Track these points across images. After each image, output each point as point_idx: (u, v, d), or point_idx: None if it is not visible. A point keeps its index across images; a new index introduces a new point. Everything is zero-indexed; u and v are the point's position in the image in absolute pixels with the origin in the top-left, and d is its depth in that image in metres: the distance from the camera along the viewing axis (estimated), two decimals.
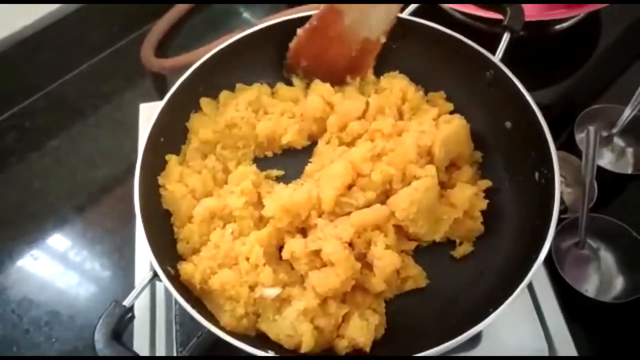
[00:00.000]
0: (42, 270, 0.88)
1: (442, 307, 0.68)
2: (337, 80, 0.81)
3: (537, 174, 0.68)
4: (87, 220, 0.93)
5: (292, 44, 0.81)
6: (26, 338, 0.82)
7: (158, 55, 1.08)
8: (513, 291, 0.57)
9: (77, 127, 1.04)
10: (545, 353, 0.71)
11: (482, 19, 0.90)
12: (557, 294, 0.77)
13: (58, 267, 0.89)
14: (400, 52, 0.82)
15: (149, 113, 0.93)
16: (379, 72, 0.84)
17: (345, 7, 0.77)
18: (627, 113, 0.90)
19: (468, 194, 0.71)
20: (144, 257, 0.81)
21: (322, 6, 0.78)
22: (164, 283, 0.59)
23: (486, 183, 0.75)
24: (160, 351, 0.72)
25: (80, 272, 0.88)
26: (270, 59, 0.83)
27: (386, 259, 0.65)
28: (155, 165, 0.72)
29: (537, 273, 0.75)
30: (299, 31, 0.79)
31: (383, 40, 0.78)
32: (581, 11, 0.97)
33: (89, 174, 0.98)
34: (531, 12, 0.76)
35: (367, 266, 0.68)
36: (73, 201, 0.95)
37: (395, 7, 0.77)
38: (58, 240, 0.91)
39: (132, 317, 0.58)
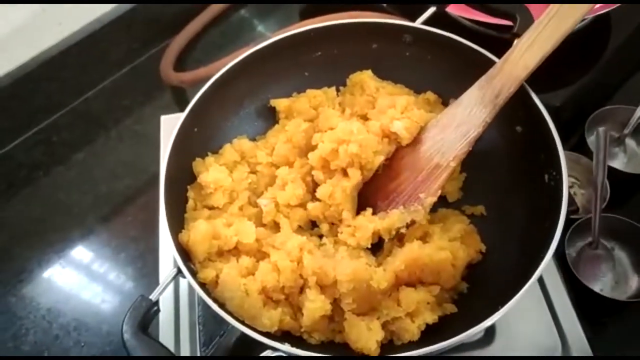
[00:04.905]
0: (70, 278, 0.92)
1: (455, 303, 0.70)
2: (395, 205, 0.75)
3: (546, 176, 0.69)
4: (111, 229, 0.97)
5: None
6: (56, 343, 0.85)
7: (177, 69, 1.12)
8: (521, 288, 0.59)
9: (101, 141, 1.08)
10: (559, 352, 0.73)
11: (491, 26, 0.92)
12: (571, 293, 0.78)
13: (85, 275, 0.92)
14: (413, 59, 0.84)
15: (169, 124, 0.97)
16: (395, 79, 0.86)
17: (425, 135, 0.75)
18: (638, 114, 0.90)
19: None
20: (168, 258, 0.84)
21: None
22: (187, 278, 0.62)
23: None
24: (185, 350, 0.75)
25: (105, 279, 0.91)
26: (286, 70, 0.85)
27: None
28: (179, 166, 0.75)
29: (550, 273, 0.78)
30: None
31: (452, 165, 0.71)
32: (590, 14, 0.99)
33: (112, 185, 1.02)
34: (537, 17, 0.77)
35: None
36: (98, 212, 0.99)
37: (473, 135, 0.71)
38: (84, 250, 0.95)
39: (158, 310, 0.61)
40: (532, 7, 0.78)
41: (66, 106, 1.12)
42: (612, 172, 0.85)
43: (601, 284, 0.82)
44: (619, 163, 0.92)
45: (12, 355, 0.84)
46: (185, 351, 0.75)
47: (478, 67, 0.74)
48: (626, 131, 0.92)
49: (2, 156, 1.06)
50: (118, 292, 0.90)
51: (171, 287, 0.79)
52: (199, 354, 0.75)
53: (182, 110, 0.76)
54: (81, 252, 0.95)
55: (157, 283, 0.82)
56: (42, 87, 1.10)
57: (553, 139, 0.68)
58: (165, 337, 0.76)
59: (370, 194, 0.77)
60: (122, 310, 0.86)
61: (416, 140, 0.76)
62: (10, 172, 1.04)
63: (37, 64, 1.08)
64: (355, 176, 0.73)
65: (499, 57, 0.73)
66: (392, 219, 0.72)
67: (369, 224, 0.71)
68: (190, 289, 0.81)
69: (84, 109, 1.12)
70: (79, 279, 0.92)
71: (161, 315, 0.71)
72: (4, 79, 1.06)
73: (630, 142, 0.94)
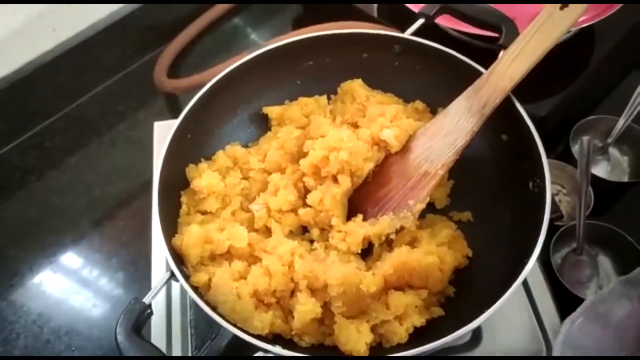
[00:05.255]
0: (62, 282, 0.92)
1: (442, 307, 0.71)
2: (384, 212, 0.75)
3: (530, 184, 0.71)
4: (103, 234, 0.98)
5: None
6: (47, 348, 0.85)
7: (170, 76, 1.13)
8: (506, 292, 0.60)
9: (94, 146, 1.09)
10: (543, 355, 0.75)
11: (478, 37, 0.94)
12: (556, 298, 0.80)
13: (76, 280, 0.93)
14: (402, 69, 0.85)
15: (163, 130, 0.98)
16: (385, 88, 0.87)
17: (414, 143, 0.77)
18: (621, 123, 0.93)
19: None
20: (160, 262, 0.85)
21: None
22: (180, 282, 0.63)
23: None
24: (177, 354, 0.76)
25: (97, 284, 0.92)
26: (279, 78, 0.86)
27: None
28: (173, 172, 0.76)
29: (535, 278, 0.80)
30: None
31: (440, 173, 0.73)
32: (574, 26, 1.01)
33: (105, 189, 1.03)
34: (525, 28, 0.79)
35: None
36: (90, 216, 1.00)
37: (461, 143, 0.72)
38: (76, 254, 0.96)
39: (151, 313, 0.62)
40: (518, 19, 0.80)
41: (60, 111, 1.13)
42: (596, 180, 0.88)
43: (585, 289, 0.84)
44: (602, 171, 0.95)
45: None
46: (177, 354, 0.76)
47: (465, 78, 0.76)
48: (609, 140, 0.95)
49: None
50: (109, 296, 0.91)
51: (163, 291, 0.80)
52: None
53: (175, 116, 0.77)
54: (73, 257, 0.95)
55: (148, 288, 0.83)
56: (37, 92, 1.11)
57: (537, 148, 0.69)
58: (158, 340, 0.77)
59: (361, 201, 0.78)
60: (113, 314, 0.88)
61: (405, 149, 0.77)
62: (3, 175, 1.05)
63: (32, 68, 1.09)
64: (345, 183, 0.74)
65: (486, 67, 0.75)
66: (382, 225, 0.73)
67: (360, 229, 0.72)
68: (183, 293, 0.82)
69: (77, 114, 1.13)
70: (70, 284, 0.92)
71: (153, 319, 0.72)
72: None
73: (613, 151, 0.97)
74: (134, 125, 1.12)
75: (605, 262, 0.87)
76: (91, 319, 0.88)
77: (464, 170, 0.78)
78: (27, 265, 0.94)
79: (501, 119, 0.74)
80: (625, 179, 0.94)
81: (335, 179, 0.75)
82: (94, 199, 1.02)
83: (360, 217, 0.75)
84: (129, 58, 1.21)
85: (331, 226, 0.75)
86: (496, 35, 0.80)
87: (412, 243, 0.73)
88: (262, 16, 1.30)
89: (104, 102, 1.15)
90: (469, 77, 0.75)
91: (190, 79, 1.09)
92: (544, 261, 0.83)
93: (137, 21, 1.22)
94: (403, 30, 0.84)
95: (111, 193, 1.02)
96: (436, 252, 0.69)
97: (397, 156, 0.78)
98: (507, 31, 0.77)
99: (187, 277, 0.65)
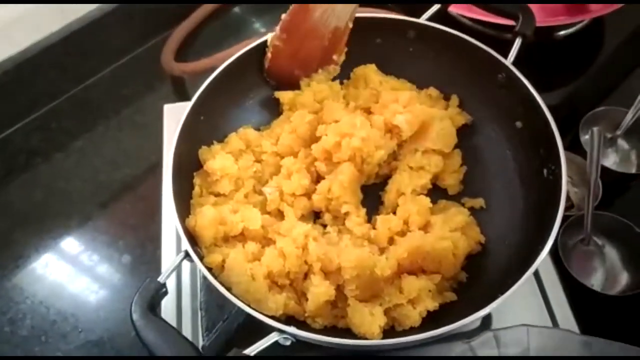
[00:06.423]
0: (68, 264, 0.92)
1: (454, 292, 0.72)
2: (312, 70, 0.86)
3: (545, 171, 0.71)
4: (110, 217, 0.97)
5: (268, 54, 0.83)
6: (54, 328, 0.85)
7: (176, 61, 1.13)
8: (519, 279, 0.60)
9: (100, 129, 1.08)
10: None
11: (490, 25, 0.94)
12: (565, 287, 0.80)
13: (82, 262, 0.92)
14: (416, 55, 0.86)
15: (172, 113, 0.98)
16: (398, 74, 0.88)
17: (312, 4, 0.80)
18: (631, 115, 0.93)
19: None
20: (170, 244, 0.85)
21: (290, 8, 0.82)
22: (195, 262, 0.63)
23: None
24: (187, 336, 0.75)
25: (103, 266, 0.91)
26: None
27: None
28: (185, 153, 0.76)
29: (545, 267, 0.80)
30: (272, 38, 0.82)
31: (350, 25, 0.81)
32: (585, 17, 1.02)
33: (111, 173, 1.02)
34: (537, 18, 0.79)
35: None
36: (96, 199, 0.99)
37: None
38: (82, 236, 0.95)
39: (166, 292, 0.62)
40: (533, 6, 0.80)
41: (66, 93, 1.12)
42: (605, 171, 0.88)
43: (592, 279, 0.84)
44: (611, 163, 0.95)
45: (8, 339, 0.84)
46: (187, 335, 0.75)
47: (480, 64, 0.76)
48: (619, 132, 0.95)
49: (1, 141, 1.06)
50: (116, 278, 0.90)
51: (174, 274, 0.80)
52: (201, 339, 0.76)
53: (182, 100, 0.77)
54: (79, 239, 0.95)
55: (156, 270, 0.84)
56: (43, 73, 1.10)
57: (552, 134, 0.70)
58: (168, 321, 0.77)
59: (286, 68, 0.83)
60: (120, 296, 0.88)
61: (306, 9, 0.80)
62: (9, 157, 1.04)
63: (38, 49, 1.07)
64: (350, 170, 0.74)
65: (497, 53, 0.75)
66: (322, 77, 0.83)
67: (385, 227, 0.73)
68: (193, 275, 0.82)
69: (83, 97, 1.12)
70: (77, 266, 0.92)
71: (163, 301, 0.71)
72: (5, 64, 1.05)
73: (622, 143, 0.97)
74: (140, 109, 1.11)
75: (612, 252, 0.87)
76: (97, 300, 0.88)
77: (477, 157, 0.78)
78: (32, 247, 0.93)
79: (516, 105, 0.74)
80: (633, 171, 0.94)
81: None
82: (99, 182, 1.01)
83: (386, 216, 0.75)
84: (135, 42, 1.20)
85: (345, 214, 0.75)
86: (511, 23, 0.80)
87: (426, 228, 0.73)
88: (265, 5, 1.29)
89: (110, 85, 1.14)
90: (484, 64, 0.75)
91: (199, 62, 1.08)
92: (552, 250, 0.82)
93: (144, 5, 1.20)
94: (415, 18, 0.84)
95: (117, 176, 1.01)
96: (450, 238, 0.69)
97: (300, 17, 0.80)
98: (524, 18, 0.77)
99: (200, 258, 0.65)
